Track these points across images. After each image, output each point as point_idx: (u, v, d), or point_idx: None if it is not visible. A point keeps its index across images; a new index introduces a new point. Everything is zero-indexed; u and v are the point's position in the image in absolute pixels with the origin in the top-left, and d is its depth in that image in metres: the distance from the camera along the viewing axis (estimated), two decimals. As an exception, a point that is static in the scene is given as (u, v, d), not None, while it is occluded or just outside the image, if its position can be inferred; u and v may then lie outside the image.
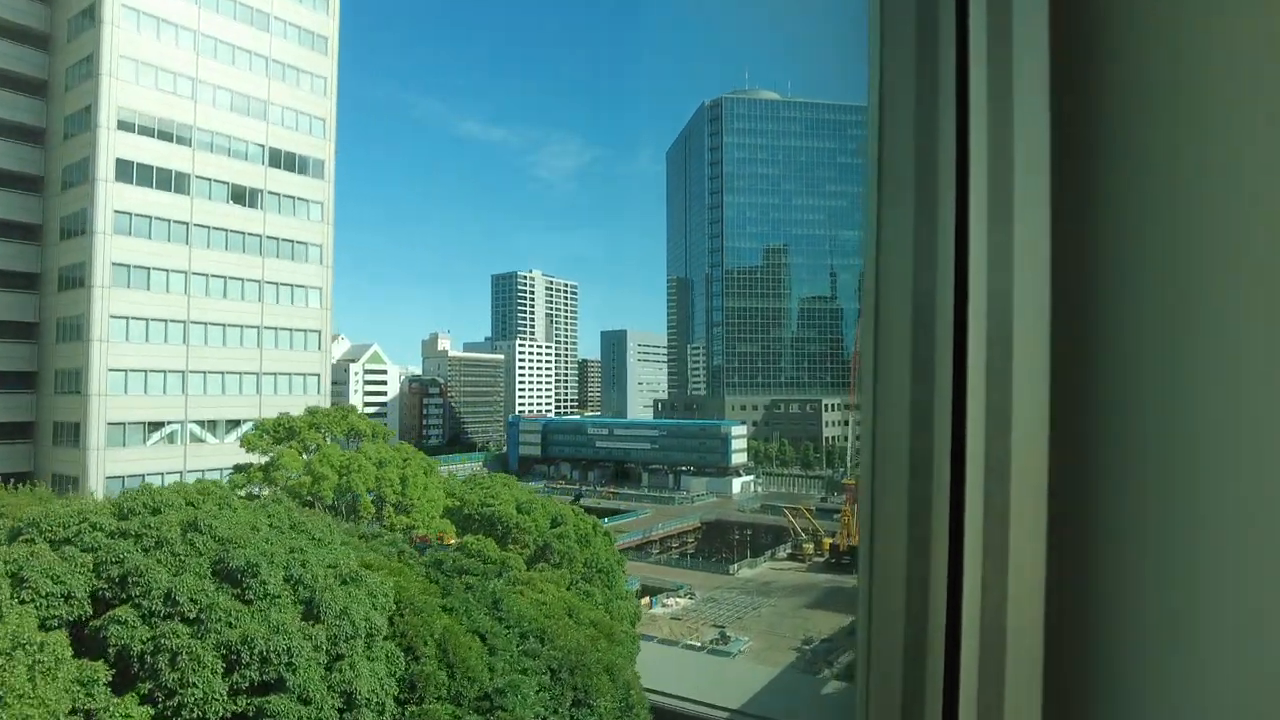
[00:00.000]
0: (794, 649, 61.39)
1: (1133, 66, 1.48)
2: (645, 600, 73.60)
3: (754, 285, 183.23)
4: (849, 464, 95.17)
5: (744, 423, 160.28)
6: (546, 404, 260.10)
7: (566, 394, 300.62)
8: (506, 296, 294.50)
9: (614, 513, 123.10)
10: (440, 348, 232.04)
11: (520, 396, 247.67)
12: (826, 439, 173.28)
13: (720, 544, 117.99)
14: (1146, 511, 1.49)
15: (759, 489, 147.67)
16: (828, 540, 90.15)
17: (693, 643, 57.51)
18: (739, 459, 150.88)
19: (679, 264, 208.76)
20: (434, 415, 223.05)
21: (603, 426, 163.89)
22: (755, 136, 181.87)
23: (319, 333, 66.95)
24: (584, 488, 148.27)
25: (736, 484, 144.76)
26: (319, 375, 67.17)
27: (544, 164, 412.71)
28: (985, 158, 1.59)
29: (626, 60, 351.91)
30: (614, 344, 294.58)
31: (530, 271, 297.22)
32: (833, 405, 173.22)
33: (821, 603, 74.34)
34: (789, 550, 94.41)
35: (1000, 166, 1.58)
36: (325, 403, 68.32)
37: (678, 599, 73.86)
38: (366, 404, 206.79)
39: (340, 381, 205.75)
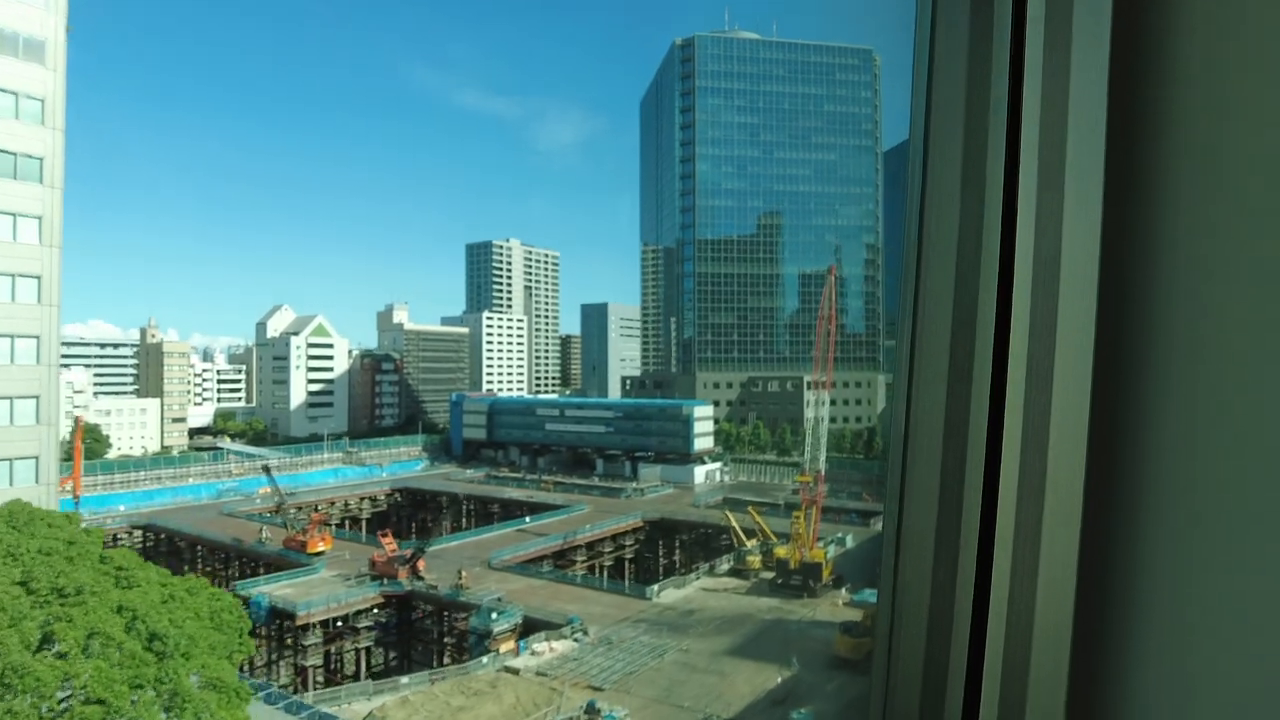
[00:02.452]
0: (685, 733, 42.54)
1: (1193, 58, 1.42)
2: (511, 646, 54.87)
3: (730, 248, 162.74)
4: (808, 454, 76.19)
5: (710, 403, 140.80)
6: (519, 382, 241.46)
7: (546, 371, 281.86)
8: (482, 267, 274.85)
9: (547, 508, 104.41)
10: (396, 320, 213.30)
11: (489, 373, 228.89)
12: (816, 421, 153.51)
13: (660, 550, 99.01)
14: (1186, 521, 1.44)
15: (725, 479, 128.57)
16: (780, 551, 71.06)
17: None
18: (704, 444, 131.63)
19: (651, 225, 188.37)
20: (388, 394, 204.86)
21: (553, 407, 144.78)
22: (732, 80, 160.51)
23: (38, 279, 47.91)
24: (528, 477, 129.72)
25: (699, 473, 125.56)
26: (38, 338, 48.15)
27: (544, 135, 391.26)
28: (1035, 167, 1.54)
29: (632, 26, 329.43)
30: (594, 318, 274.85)
31: (507, 240, 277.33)
32: (824, 384, 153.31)
33: (751, 647, 55.22)
34: (732, 563, 75.40)
35: (1051, 167, 1.52)
36: (50, 375, 49.39)
37: (556, 642, 54.98)
38: (311, 380, 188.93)
39: (281, 356, 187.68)
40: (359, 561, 74.41)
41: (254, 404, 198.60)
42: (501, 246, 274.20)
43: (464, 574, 67.61)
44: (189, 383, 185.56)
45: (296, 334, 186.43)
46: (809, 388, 78.42)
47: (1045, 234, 1.51)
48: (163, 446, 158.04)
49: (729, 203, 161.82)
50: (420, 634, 69.85)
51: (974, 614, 1.60)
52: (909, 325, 1.70)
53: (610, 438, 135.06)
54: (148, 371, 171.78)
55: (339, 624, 64.70)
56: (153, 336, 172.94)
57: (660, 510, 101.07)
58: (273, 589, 66.92)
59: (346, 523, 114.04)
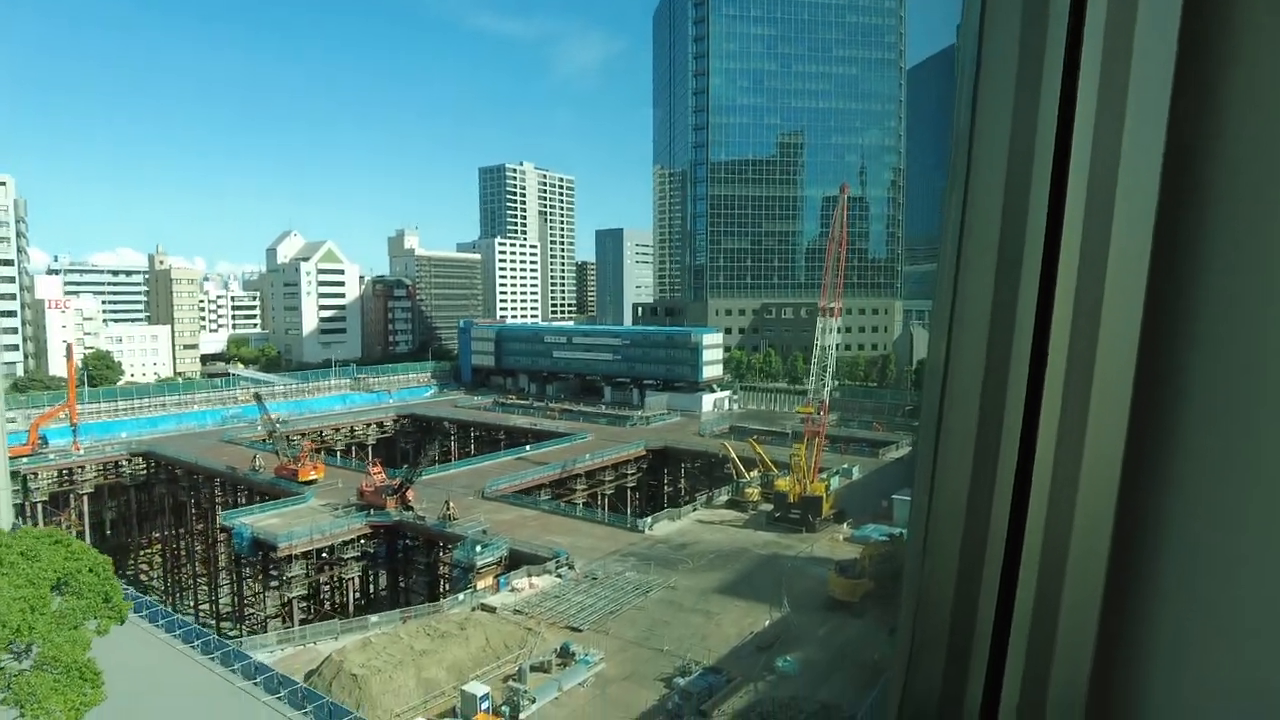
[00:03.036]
0: (661, 679, 39.73)
1: None
2: (491, 582, 52.34)
3: (746, 169, 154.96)
4: (813, 384, 71.64)
5: (720, 330, 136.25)
6: (533, 309, 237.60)
7: (562, 298, 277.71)
8: (495, 192, 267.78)
9: (550, 436, 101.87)
10: (408, 245, 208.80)
11: (503, 300, 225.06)
12: (823, 349, 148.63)
13: (663, 478, 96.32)
14: (1237, 445, 1.40)
15: (734, 407, 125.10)
16: (780, 483, 67.56)
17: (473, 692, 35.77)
18: (713, 372, 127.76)
19: (664, 146, 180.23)
20: (401, 320, 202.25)
21: (560, 334, 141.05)
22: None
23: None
24: (535, 404, 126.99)
25: (707, 401, 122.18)
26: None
27: (560, 57, 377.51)
28: (1099, 59, 1.43)
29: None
30: (610, 243, 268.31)
31: (520, 164, 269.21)
32: (833, 310, 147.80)
33: (742, 585, 52.21)
34: (730, 494, 72.23)
35: (1115, 61, 1.39)
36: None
37: (537, 578, 52.42)
38: (322, 307, 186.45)
39: (292, 283, 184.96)
40: (351, 490, 72.35)
41: (268, 330, 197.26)
42: (515, 170, 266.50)
43: (450, 504, 65.13)
44: (201, 309, 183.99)
45: (306, 260, 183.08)
46: (819, 314, 73.67)
47: (1104, 131, 1.39)
48: (175, 373, 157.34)
49: (745, 120, 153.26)
50: (407, 566, 68.12)
51: (1010, 534, 1.52)
52: (956, 222, 1.59)
53: (618, 365, 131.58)
54: (158, 298, 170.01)
55: (324, 555, 62.84)
56: (160, 263, 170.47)
57: (664, 439, 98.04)
58: (257, 519, 65.03)
59: (353, 449, 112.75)
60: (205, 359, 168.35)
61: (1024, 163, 1.46)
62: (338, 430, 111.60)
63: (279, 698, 32.26)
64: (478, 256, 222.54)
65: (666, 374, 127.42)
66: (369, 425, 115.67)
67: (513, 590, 50.23)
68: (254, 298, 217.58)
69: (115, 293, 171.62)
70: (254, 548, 61.44)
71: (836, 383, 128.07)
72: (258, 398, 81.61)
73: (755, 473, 74.30)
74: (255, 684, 31.45)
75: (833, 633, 44.87)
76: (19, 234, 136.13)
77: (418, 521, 64.71)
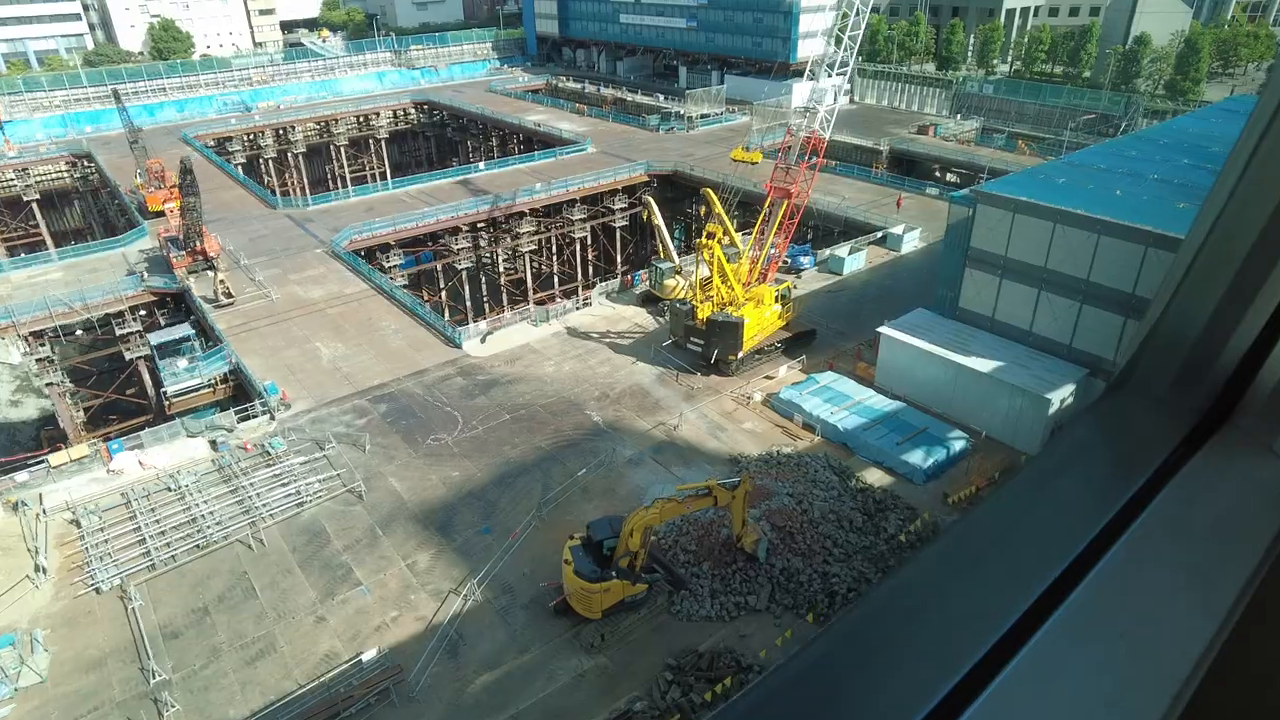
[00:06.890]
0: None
1: None
2: (97, 448, 33.05)
3: None
4: (815, 82, 37.50)
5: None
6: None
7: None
8: None
9: (548, 144, 74.81)
10: None
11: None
12: (1008, 12, 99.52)
13: (673, 218, 67.52)
14: None
15: (841, 102, 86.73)
16: (716, 286, 38.28)
17: None
18: (815, 48, 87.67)
19: None
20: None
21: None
22: None
23: None
24: (588, 89, 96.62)
25: (800, 93, 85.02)
26: None
27: None
28: None
29: None
30: None
31: None
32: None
33: (482, 501, 28.64)
34: (649, 283, 44.25)
35: None
36: None
37: (168, 448, 31.97)
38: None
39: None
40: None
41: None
42: None
43: (220, 275, 44.60)
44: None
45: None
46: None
47: None
48: (255, 44, 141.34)
49: None
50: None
51: None
52: None
53: (693, 38, 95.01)
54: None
55: (92, 332, 46.37)
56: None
57: (688, 155, 67.65)
58: (34, 274, 49.06)
59: (369, 143, 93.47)
60: (287, 26, 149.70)
61: None
62: (338, 121, 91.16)
63: None
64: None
65: (753, 49, 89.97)
66: (378, 114, 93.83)
67: (111, 472, 30.53)
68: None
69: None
70: (-7, 319, 46.09)
71: (840, 83, 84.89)
72: (116, 96, 62.02)
73: (739, 236, 44.80)
74: None
75: (485, 705, 21.22)
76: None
77: (200, 297, 45.36)
